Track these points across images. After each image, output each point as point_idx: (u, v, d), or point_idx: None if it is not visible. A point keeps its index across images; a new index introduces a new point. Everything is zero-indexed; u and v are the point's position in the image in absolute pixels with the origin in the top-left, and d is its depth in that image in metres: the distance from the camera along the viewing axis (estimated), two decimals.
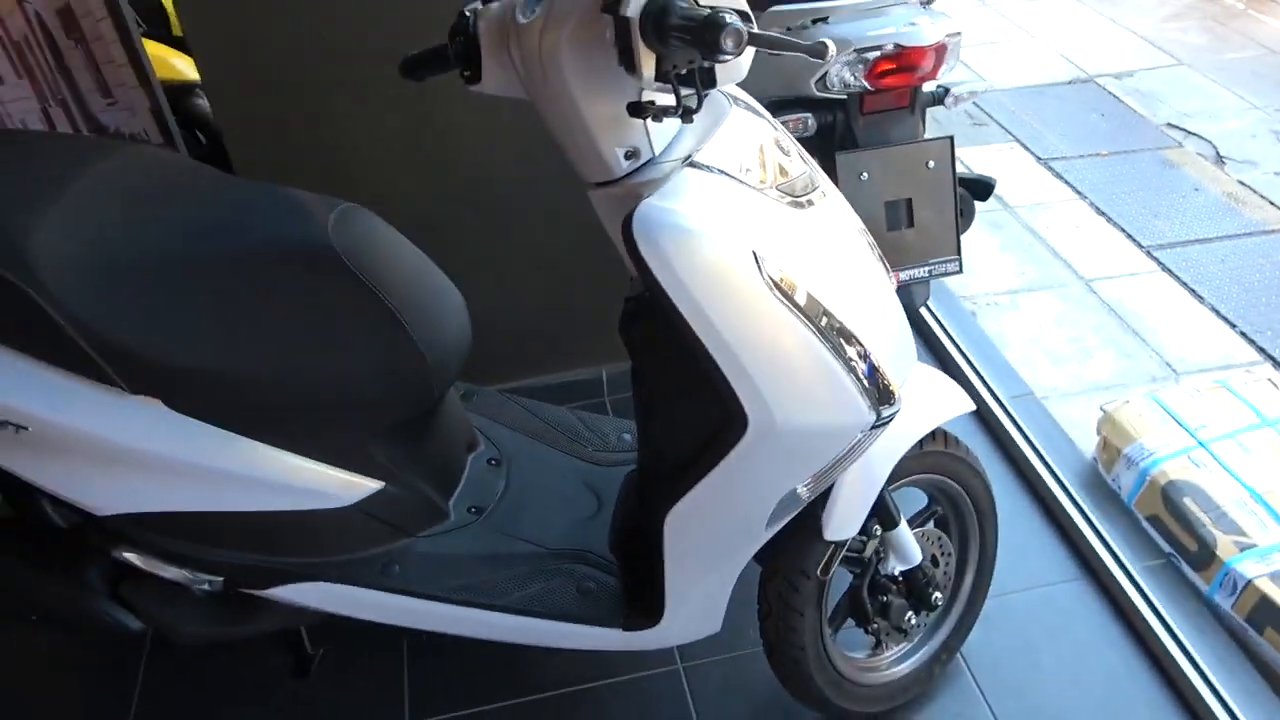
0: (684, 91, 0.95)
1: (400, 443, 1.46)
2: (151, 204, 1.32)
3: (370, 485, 1.42)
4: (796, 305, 1.11)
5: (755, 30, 0.84)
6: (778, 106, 1.88)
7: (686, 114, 0.96)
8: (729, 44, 0.82)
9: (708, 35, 0.83)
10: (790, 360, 1.12)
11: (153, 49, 2.72)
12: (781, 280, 1.11)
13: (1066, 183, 3.48)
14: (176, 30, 2.70)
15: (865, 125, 1.83)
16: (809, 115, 1.83)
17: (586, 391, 2.35)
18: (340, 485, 1.39)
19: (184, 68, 2.54)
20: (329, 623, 1.51)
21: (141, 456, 1.29)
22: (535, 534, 1.55)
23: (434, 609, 1.45)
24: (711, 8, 0.86)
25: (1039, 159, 3.64)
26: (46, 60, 1.85)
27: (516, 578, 1.48)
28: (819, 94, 1.81)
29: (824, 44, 0.83)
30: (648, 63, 0.93)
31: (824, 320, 1.14)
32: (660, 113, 0.99)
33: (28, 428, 1.27)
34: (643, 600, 1.43)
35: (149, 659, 1.83)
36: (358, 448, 1.40)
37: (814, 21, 1.75)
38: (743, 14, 0.89)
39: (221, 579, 1.43)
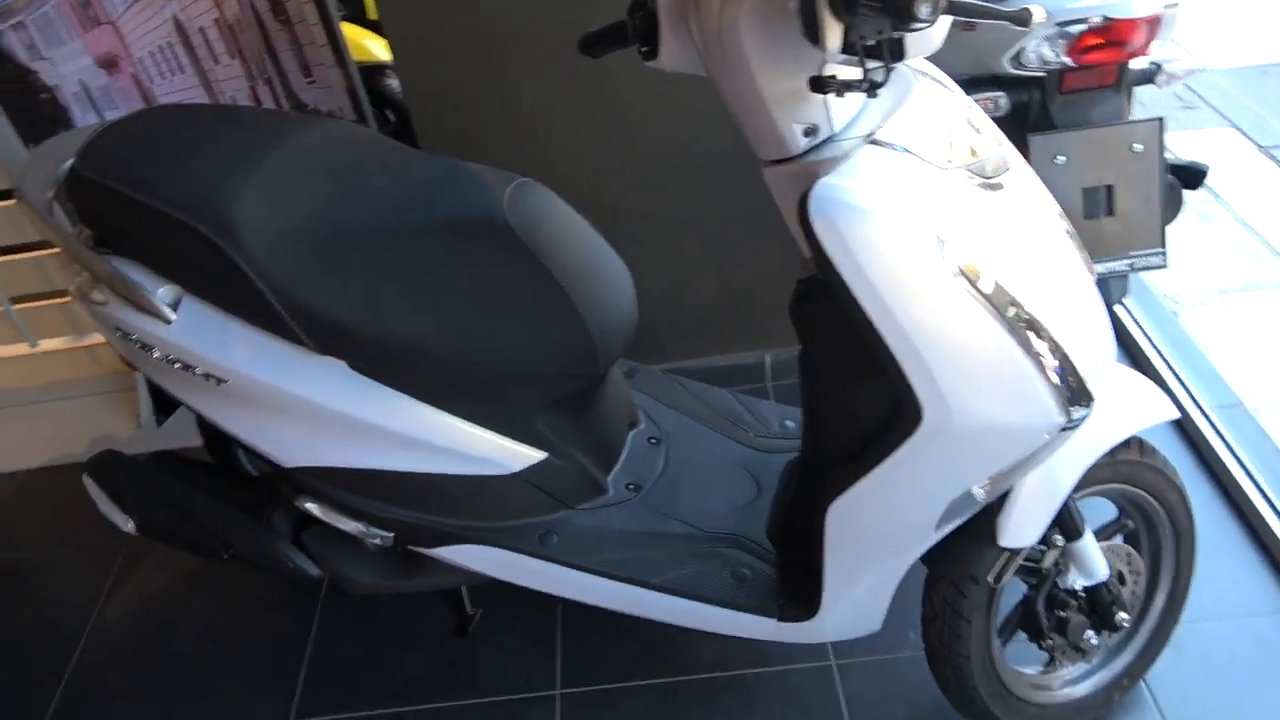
0: (870, 64, 0.90)
1: (564, 416, 1.48)
2: (344, 176, 1.39)
3: (534, 455, 1.45)
4: (982, 293, 1.04)
5: None
6: (968, 86, 1.75)
7: (872, 88, 0.91)
8: (923, 10, 0.77)
9: (900, 1, 0.77)
10: (972, 352, 1.05)
11: (349, 31, 2.89)
12: (966, 267, 1.04)
13: None
14: (371, 14, 2.85)
15: (1063, 105, 1.69)
16: (1001, 94, 1.71)
17: (749, 376, 2.32)
18: (506, 454, 1.43)
19: (376, 49, 2.68)
20: (490, 585, 1.56)
21: (325, 414, 1.37)
22: (692, 515, 1.54)
23: (588, 581, 1.47)
24: None
25: (1260, 147, 3.30)
26: (256, 42, 1.98)
27: (671, 557, 1.48)
28: (1013, 71, 1.69)
29: (1028, 10, 0.76)
30: (833, 33, 0.89)
31: (1011, 311, 1.06)
32: (843, 87, 0.94)
33: (227, 380, 1.37)
34: (800, 592, 1.39)
35: (324, 605, 1.95)
36: (524, 418, 1.43)
37: None
38: None
39: (392, 535, 1.50)
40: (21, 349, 2.42)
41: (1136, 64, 1.70)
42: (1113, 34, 1.59)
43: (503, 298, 1.33)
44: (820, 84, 0.96)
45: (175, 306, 1.36)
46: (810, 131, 1.05)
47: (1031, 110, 1.72)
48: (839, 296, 1.04)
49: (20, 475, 2.39)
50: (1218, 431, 2.01)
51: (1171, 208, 1.74)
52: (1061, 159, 1.66)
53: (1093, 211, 1.69)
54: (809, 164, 1.06)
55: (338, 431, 1.39)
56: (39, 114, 2.03)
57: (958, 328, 1.04)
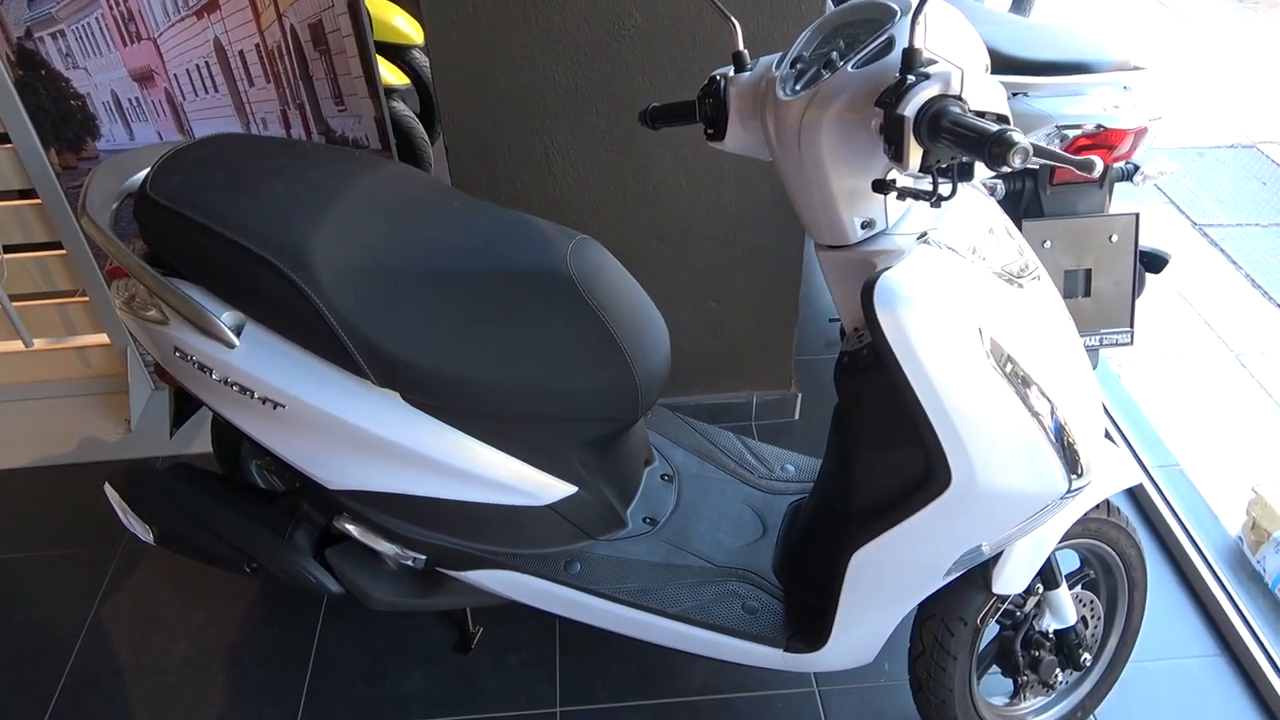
0: (940, 181, 1.03)
1: (595, 453, 1.59)
2: (410, 218, 1.47)
3: (566, 489, 1.55)
4: (1010, 378, 1.19)
5: (1040, 145, 0.91)
6: None
7: (938, 201, 1.04)
8: (1016, 160, 0.89)
9: (995, 149, 0.88)
10: (999, 428, 1.19)
11: (376, 9, 2.95)
12: (994, 350, 1.19)
13: (1222, 251, 3.43)
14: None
15: (1053, 195, 1.88)
16: (999, 181, 1.89)
17: (736, 414, 2.46)
18: (542, 487, 1.53)
19: (406, 28, 2.76)
20: (492, 604, 1.65)
21: (376, 442, 1.44)
22: (704, 549, 1.66)
23: (608, 608, 1.57)
24: (998, 122, 0.94)
25: (1194, 224, 3.59)
26: (292, 68, 2.04)
27: (686, 589, 1.59)
28: None
29: (1092, 160, 0.90)
30: (915, 155, 1.01)
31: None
32: (908, 194, 1.07)
33: (285, 406, 1.43)
34: (809, 626, 1.52)
35: (325, 619, 2.01)
36: (561, 454, 1.53)
37: (1014, 94, 1.81)
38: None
39: (425, 558, 1.58)
40: (16, 346, 2.42)
41: (1119, 164, 1.90)
42: (1103, 139, 1.78)
43: (560, 345, 1.43)
44: (883, 186, 1.09)
45: (238, 332, 1.42)
46: (867, 225, 1.18)
47: (1024, 198, 1.90)
48: (888, 372, 1.17)
49: (5, 474, 2.38)
50: (1159, 490, 2.22)
51: (1136, 290, 1.94)
52: (1048, 243, 1.85)
53: (1072, 292, 1.88)
54: (864, 253, 1.19)
55: (387, 459, 1.47)
56: (67, 120, 2.05)
57: (989, 407, 1.18)
